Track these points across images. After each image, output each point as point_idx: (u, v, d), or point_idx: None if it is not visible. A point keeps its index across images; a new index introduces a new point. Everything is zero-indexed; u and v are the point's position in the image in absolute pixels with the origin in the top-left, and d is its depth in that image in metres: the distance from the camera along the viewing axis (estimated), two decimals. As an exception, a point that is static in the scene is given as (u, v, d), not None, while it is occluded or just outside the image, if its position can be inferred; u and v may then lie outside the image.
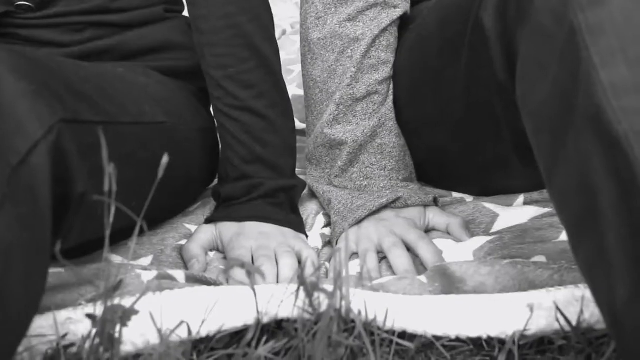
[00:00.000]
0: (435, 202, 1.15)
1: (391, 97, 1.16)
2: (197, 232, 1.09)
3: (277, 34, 1.90)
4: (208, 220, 1.12)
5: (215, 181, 1.21)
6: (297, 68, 1.70)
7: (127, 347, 0.85)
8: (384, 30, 1.15)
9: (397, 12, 1.16)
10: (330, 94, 1.15)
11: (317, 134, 1.15)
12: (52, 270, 0.99)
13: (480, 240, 1.07)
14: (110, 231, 0.77)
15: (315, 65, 1.16)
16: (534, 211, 1.15)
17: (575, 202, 0.76)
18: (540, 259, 1.00)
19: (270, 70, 1.11)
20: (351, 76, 1.13)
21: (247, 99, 1.09)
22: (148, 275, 0.97)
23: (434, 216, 1.12)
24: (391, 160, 1.13)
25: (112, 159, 0.75)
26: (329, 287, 0.88)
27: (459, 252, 1.06)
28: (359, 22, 1.14)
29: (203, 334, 0.87)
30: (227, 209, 1.09)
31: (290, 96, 1.17)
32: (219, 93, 1.10)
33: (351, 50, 1.13)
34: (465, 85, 1.06)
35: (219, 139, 1.16)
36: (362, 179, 1.12)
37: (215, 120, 1.15)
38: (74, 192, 0.84)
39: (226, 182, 1.12)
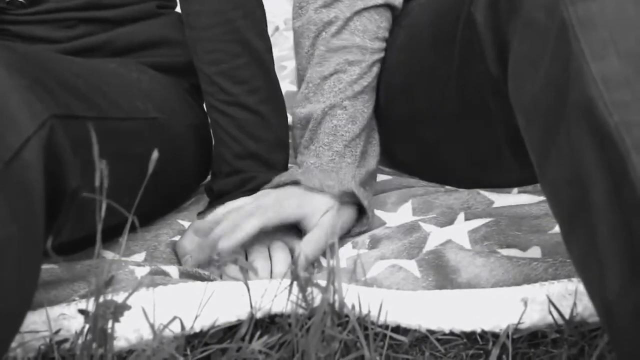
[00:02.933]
0: (361, 209, 1.10)
1: (370, 93, 1.14)
2: (190, 228, 1.09)
3: (270, 30, 1.89)
4: (200, 216, 1.12)
5: (209, 178, 1.20)
6: (291, 64, 1.70)
7: (120, 343, 0.85)
8: (358, 14, 1.13)
9: (375, 0, 1.15)
10: (304, 76, 1.15)
11: (292, 116, 1.14)
12: (45, 266, 0.99)
13: (477, 222, 1.06)
14: (103, 227, 0.77)
15: (298, 54, 1.16)
16: (529, 198, 1.15)
17: (568, 195, 0.76)
18: (536, 250, 1.00)
19: (262, 66, 1.11)
20: (320, 55, 1.12)
21: (239, 95, 1.09)
22: (141, 271, 0.97)
23: (320, 220, 1.05)
24: (340, 144, 1.09)
25: (105, 154, 0.75)
26: (322, 282, 0.88)
27: (453, 232, 1.05)
28: (334, 7, 1.13)
29: (197, 329, 0.87)
30: (219, 204, 1.09)
31: (283, 92, 1.17)
32: (212, 89, 1.10)
33: (325, 32, 1.13)
34: (458, 80, 1.06)
35: (211, 135, 1.16)
36: (313, 156, 1.10)
37: (208, 116, 1.15)
38: (66, 187, 0.84)
39: (218, 178, 1.12)
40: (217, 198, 1.11)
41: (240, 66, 1.09)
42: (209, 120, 1.13)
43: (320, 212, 1.06)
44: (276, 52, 1.73)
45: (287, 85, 1.59)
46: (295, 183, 1.07)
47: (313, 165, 1.08)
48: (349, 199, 1.08)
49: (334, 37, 1.12)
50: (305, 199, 1.06)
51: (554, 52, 0.77)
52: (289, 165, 1.16)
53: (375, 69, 1.15)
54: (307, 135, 1.11)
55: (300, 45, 1.16)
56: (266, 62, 1.12)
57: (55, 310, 0.87)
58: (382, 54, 1.16)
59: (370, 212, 1.10)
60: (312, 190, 1.06)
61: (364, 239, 1.08)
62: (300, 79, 1.17)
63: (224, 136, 1.10)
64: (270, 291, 0.90)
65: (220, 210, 1.07)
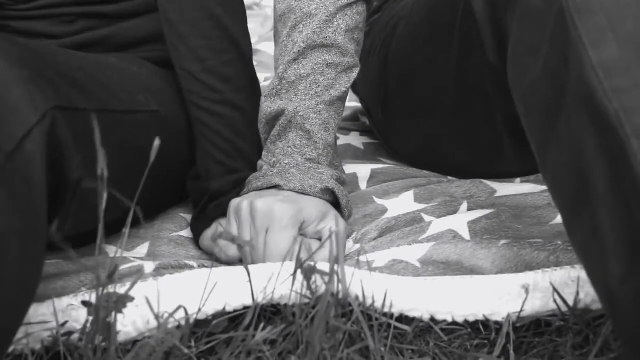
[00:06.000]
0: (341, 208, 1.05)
1: (343, 102, 1.08)
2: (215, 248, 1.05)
3: (270, 26, 1.90)
4: (202, 225, 1.09)
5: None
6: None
7: (127, 329, 0.85)
8: (342, 10, 1.06)
9: None
10: (277, 69, 1.09)
11: (260, 108, 1.09)
12: (51, 260, 0.99)
13: (477, 213, 1.06)
14: (106, 221, 0.77)
15: (275, 43, 1.12)
16: (531, 187, 1.15)
17: (569, 182, 0.76)
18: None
19: (246, 62, 1.10)
20: (298, 51, 1.06)
21: (226, 92, 1.07)
22: (150, 267, 0.97)
23: (324, 221, 1.02)
24: (314, 152, 1.04)
25: (106, 146, 0.75)
26: (325, 266, 0.87)
27: (453, 223, 1.05)
28: None
29: (201, 317, 0.87)
30: (220, 207, 1.07)
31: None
32: (197, 87, 1.07)
33: (303, 25, 1.06)
34: (458, 70, 1.06)
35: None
36: (281, 155, 1.04)
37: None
38: (68, 179, 0.84)
39: (214, 178, 1.08)
40: (212, 200, 1.08)
41: (227, 63, 1.07)
42: (192, 119, 1.10)
43: (318, 217, 1.01)
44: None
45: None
46: (275, 186, 1.03)
47: (288, 165, 1.04)
48: (328, 198, 1.04)
49: (315, 33, 1.06)
50: (300, 203, 1.00)
51: (552, 39, 0.77)
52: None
53: (353, 75, 1.08)
54: (275, 131, 1.06)
55: (278, 34, 1.10)
56: (249, 58, 1.10)
57: (63, 302, 0.87)
58: (358, 59, 1.09)
59: (347, 212, 1.06)
60: (299, 193, 1.01)
61: (371, 229, 1.08)
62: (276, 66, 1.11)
63: (213, 135, 1.07)
64: (274, 278, 0.89)
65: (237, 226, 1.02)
